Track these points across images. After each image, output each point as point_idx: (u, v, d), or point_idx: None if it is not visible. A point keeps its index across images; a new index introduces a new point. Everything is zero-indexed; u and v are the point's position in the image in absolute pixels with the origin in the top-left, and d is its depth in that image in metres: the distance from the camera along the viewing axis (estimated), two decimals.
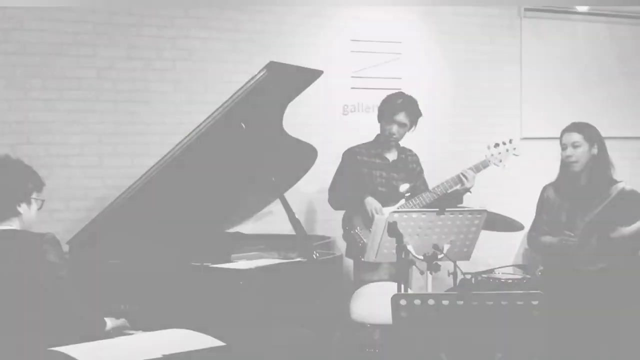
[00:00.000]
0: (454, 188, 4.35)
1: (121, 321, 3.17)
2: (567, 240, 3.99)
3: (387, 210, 4.23)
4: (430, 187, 4.41)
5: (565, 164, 4.06)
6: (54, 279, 2.88)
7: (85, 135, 4.74)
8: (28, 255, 2.88)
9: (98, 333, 2.96)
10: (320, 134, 5.08)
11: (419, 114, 4.40)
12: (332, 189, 4.52)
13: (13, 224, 3.01)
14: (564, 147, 4.04)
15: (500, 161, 4.41)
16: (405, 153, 4.54)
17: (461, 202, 4.43)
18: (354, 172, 4.43)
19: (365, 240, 4.23)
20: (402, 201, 4.36)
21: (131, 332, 3.12)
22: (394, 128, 4.35)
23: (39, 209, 3.14)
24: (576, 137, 3.98)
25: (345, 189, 4.41)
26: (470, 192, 4.40)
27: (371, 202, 4.27)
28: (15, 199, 3.02)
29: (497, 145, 4.42)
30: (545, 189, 4.23)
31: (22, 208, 3.03)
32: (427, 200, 4.31)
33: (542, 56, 6.01)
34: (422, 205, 4.31)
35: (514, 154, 4.44)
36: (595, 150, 3.99)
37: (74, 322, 2.94)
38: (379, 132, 4.49)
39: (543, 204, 4.22)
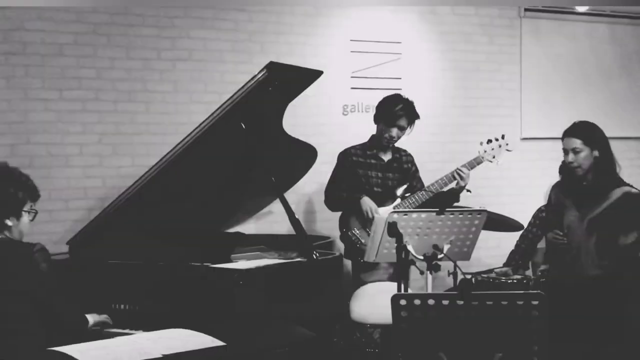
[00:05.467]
0: (450, 186, 4.35)
1: (103, 317, 3.19)
2: (556, 239, 3.95)
3: (383, 210, 4.23)
4: (426, 186, 4.41)
5: (568, 169, 3.97)
6: (46, 288, 2.87)
7: (85, 135, 4.74)
8: (18, 265, 2.85)
9: (81, 331, 2.99)
10: (320, 134, 5.09)
11: (417, 117, 4.42)
12: (328, 190, 4.51)
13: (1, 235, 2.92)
14: (565, 152, 3.94)
15: (494, 157, 4.40)
16: (399, 153, 4.55)
17: (458, 200, 4.42)
18: (349, 173, 4.43)
19: (363, 241, 4.23)
20: (398, 200, 4.37)
21: (126, 330, 3.14)
22: (394, 132, 4.36)
23: (32, 220, 3.01)
24: (576, 142, 3.88)
25: (342, 190, 4.41)
26: (470, 191, 4.40)
27: (367, 203, 4.28)
28: (3, 212, 2.91)
29: (489, 141, 4.42)
30: (552, 189, 4.16)
31: (11, 221, 2.92)
32: (422, 198, 4.32)
33: (542, 56, 6.02)
34: (418, 203, 4.31)
35: (507, 150, 4.44)
36: (597, 153, 3.89)
37: (59, 324, 2.95)
38: (374, 132, 4.49)
39: (549, 204, 4.14)
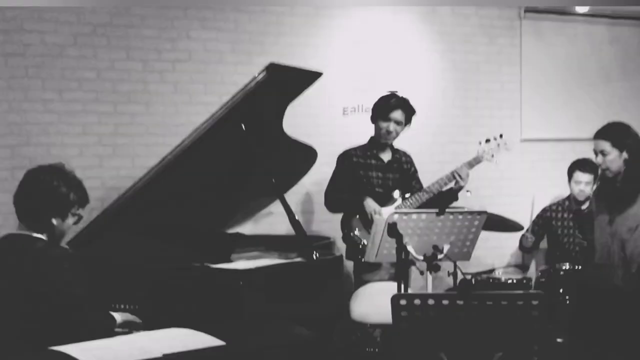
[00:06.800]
0: (449, 185, 4.36)
1: (131, 316, 3.17)
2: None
3: (385, 210, 4.23)
4: (426, 186, 4.42)
5: (600, 170, 3.90)
6: (71, 294, 2.83)
7: (85, 136, 4.74)
8: (43, 267, 2.81)
9: (109, 333, 2.96)
10: (320, 134, 5.09)
11: (414, 111, 4.43)
12: (329, 192, 4.51)
13: (42, 235, 2.89)
14: (595, 153, 3.86)
15: (492, 156, 4.42)
16: (399, 153, 4.56)
17: (457, 199, 4.43)
18: (350, 174, 4.43)
19: (364, 241, 4.23)
20: (399, 201, 4.38)
21: (126, 330, 3.13)
22: (391, 126, 4.37)
23: (75, 223, 2.99)
24: (605, 145, 3.77)
25: (342, 191, 4.42)
26: (470, 192, 4.40)
27: (370, 204, 4.28)
28: (51, 211, 2.88)
29: (488, 140, 4.44)
30: (593, 195, 4.04)
31: (57, 221, 2.89)
32: (422, 199, 4.33)
33: (542, 57, 6.01)
34: (418, 204, 4.32)
35: (506, 149, 4.45)
36: (626, 155, 3.76)
37: (87, 328, 2.90)
38: (372, 134, 4.50)
39: (590, 211, 4.06)
